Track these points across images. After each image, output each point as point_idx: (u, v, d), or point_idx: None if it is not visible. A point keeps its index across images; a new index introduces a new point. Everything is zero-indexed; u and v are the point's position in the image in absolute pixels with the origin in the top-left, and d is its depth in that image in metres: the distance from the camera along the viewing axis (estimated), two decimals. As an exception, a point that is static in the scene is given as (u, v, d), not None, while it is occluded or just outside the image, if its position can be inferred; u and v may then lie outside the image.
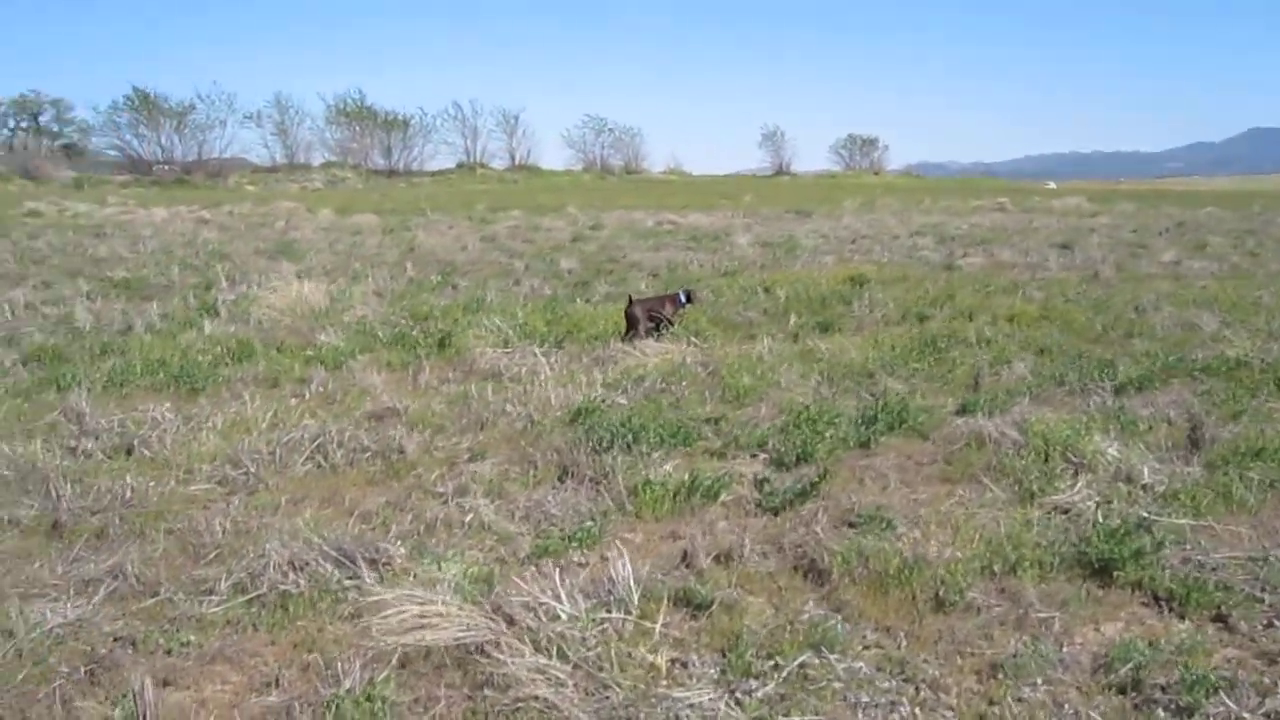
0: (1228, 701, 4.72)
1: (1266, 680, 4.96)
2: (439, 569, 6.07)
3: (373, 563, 6.16)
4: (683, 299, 12.94)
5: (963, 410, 9.32)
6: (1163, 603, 5.83)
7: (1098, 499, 7.14)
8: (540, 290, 16.62)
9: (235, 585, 6.01)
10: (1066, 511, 7.00)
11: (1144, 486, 7.34)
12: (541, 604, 5.37)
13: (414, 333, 12.49)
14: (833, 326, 13.50)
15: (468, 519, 6.92)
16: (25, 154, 61.21)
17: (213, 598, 5.90)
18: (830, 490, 7.40)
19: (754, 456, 8.20)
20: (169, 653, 5.35)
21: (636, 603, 5.50)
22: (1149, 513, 6.83)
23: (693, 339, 12.49)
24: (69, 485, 7.38)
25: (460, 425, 9.08)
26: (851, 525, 6.73)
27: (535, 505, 7.14)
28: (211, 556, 6.42)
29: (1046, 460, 7.70)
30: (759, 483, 7.39)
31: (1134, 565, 6.04)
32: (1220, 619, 5.66)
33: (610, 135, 74.85)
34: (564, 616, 5.31)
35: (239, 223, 29.19)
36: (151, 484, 7.62)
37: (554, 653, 5.02)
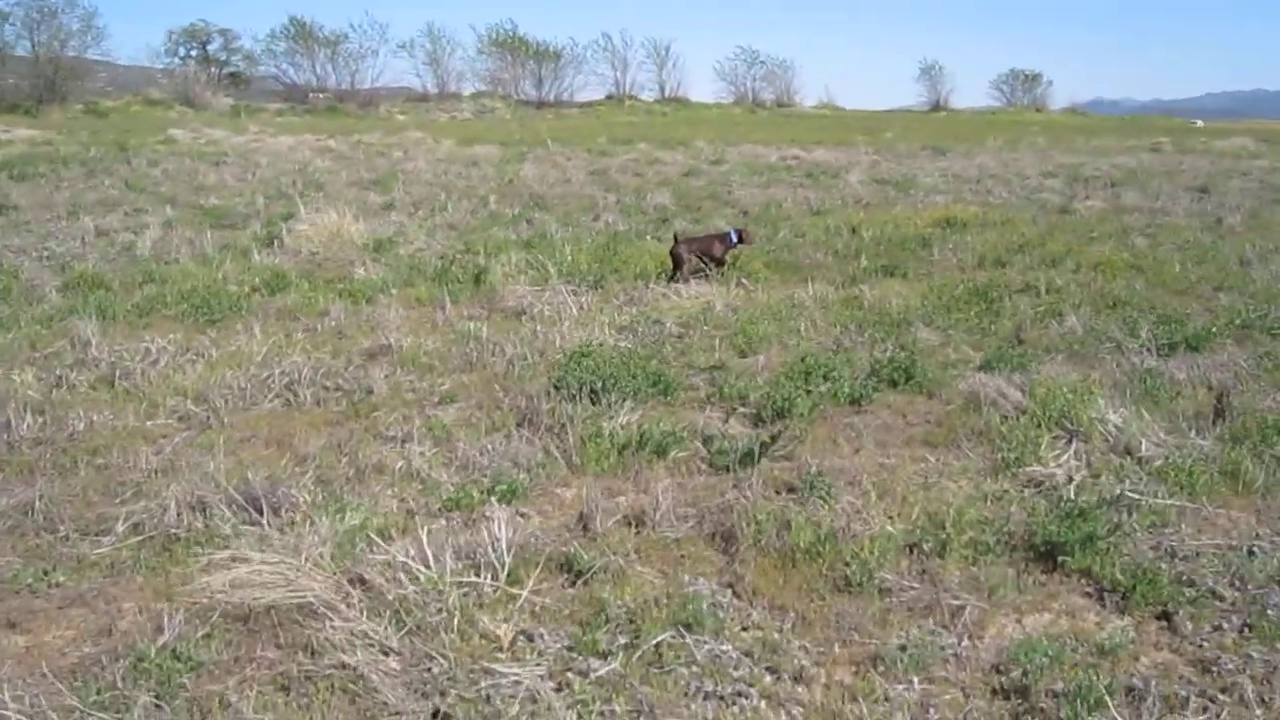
0: (1118, 717, 4.14)
1: (1184, 692, 4.35)
2: (340, 519, 5.79)
3: (276, 509, 5.91)
4: (733, 238, 12.37)
5: (986, 366, 8.62)
6: (1106, 595, 5.22)
7: (1083, 472, 6.47)
8: (615, 225, 16.18)
9: (134, 526, 5.85)
10: (1040, 485, 6.35)
11: (1140, 460, 6.62)
12: (402, 564, 5.05)
13: (452, 268, 12.20)
14: (898, 271, 12.74)
15: (398, 466, 6.62)
16: (187, 82, 62.89)
17: (106, 538, 5.75)
18: (797, 450, 6.90)
19: (733, 411, 7.68)
20: (34, 593, 5.22)
21: (507, 567, 5.12)
22: (1136, 491, 6.14)
23: (742, 281, 11.95)
24: (29, 416, 7.34)
25: (450, 366, 8.79)
26: (792, 490, 6.21)
27: (480, 454, 6.80)
28: (128, 495, 6.28)
29: (1040, 426, 7.01)
30: (705, 439, 6.91)
31: (1084, 551, 5.43)
32: (1165, 616, 5.02)
33: (762, 68, 73.01)
34: (422, 580, 4.98)
35: (359, 152, 29.40)
36: (112, 417, 7.54)
37: (387, 618, 4.69)
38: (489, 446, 6.90)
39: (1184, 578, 5.30)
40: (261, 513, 5.85)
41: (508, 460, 6.70)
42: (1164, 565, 5.40)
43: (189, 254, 13.28)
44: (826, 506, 5.93)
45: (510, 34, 69.98)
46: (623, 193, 20.77)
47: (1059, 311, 10.24)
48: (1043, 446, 6.72)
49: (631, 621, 4.81)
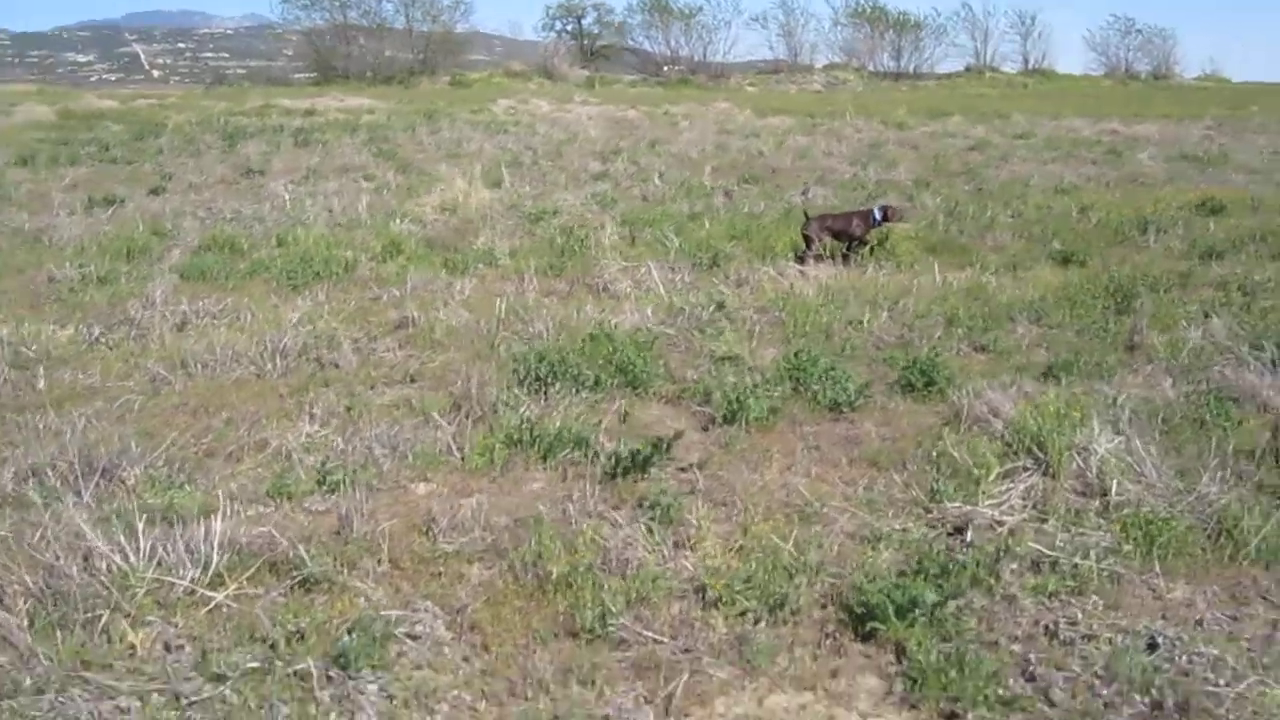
0: None
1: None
2: (162, 497, 5.46)
3: (108, 480, 5.65)
4: (876, 216, 11.14)
5: (1046, 374, 7.24)
6: (902, 680, 4.07)
7: (1021, 515, 5.18)
8: (813, 200, 15.10)
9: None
10: (959, 528, 5.13)
11: (1107, 505, 5.23)
12: (102, 552, 4.63)
13: (567, 241, 11.66)
14: (1076, 259, 11.11)
15: (274, 444, 6.21)
16: (547, 55, 65.38)
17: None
18: (716, 461, 5.95)
19: (690, 410, 6.77)
20: None
21: (215, 567, 4.59)
22: (1056, 546, 4.85)
23: (886, 261, 10.80)
24: (8, 370, 7.48)
25: (456, 342, 8.30)
26: (640, 506, 5.32)
27: (375, 439, 6.27)
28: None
29: (1008, 452, 5.71)
30: (578, 442, 6.07)
31: (903, 620, 4.27)
32: (954, 716, 3.86)
33: (1138, 37, 67.74)
34: (115, 571, 4.54)
35: (646, 122, 29.28)
36: (84, 375, 7.55)
37: (23, 610, 4.29)
38: (391, 434, 6.32)
39: (1026, 669, 4.04)
40: (84, 484, 5.55)
41: (392, 449, 6.10)
42: (1014, 649, 4.15)
43: (323, 220, 13.37)
44: (650, 534, 4.97)
45: (870, 5, 68.29)
46: (874, 166, 19.46)
47: (1192, 316, 8.47)
48: (989, 478, 5.41)
49: (287, 644, 4.15)
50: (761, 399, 6.54)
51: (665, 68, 66.88)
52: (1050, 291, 9.46)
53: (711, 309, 9.01)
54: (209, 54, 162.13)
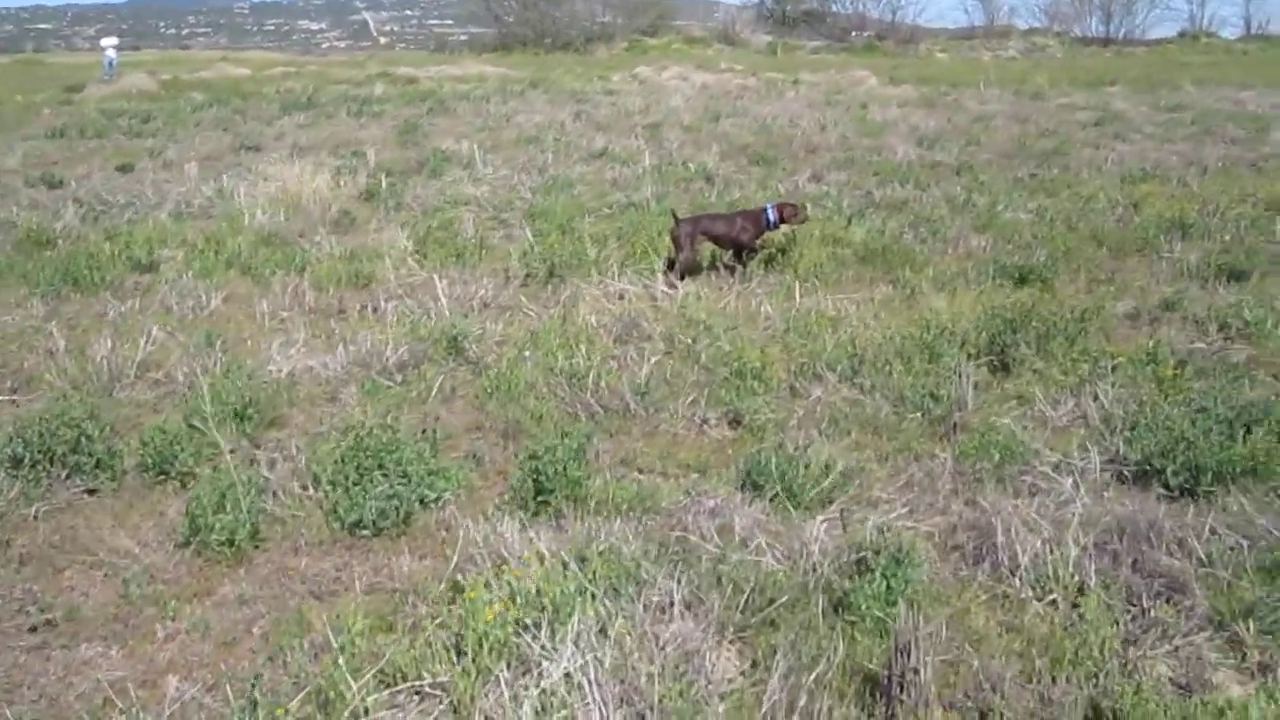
0: None
1: None
2: None
3: None
4: (770, 218, 8.69)
5: (745, 483, 4.84)
6: None
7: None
8: (824, 189, 12.63)
9: None
10: None
11: None
12: None
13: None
14: (1037, 277, 8.44)
15: None
16: (729, 20, 62.98)
17: None
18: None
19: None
20: None
21: None
22: None
23: (784, 272, 8.49)
24: None
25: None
26: None
27: None
28: None
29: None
30: None
31: None
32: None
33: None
34: None
35: (750, 94, 26.69)
36: None
37: None
38: None
39: None
40: None
41: None
42: None
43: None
44: None
45: (1078, -36, 62.97)
46: (950, 145, 16.62)
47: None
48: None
49: None
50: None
51: (854, 34, 63.42)
52: (935, 327, 6.87)
53: (445, 344, 6.85)
54: (434, 20, 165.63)
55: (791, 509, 4.70)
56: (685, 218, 8.79)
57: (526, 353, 6.75)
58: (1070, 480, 4.83)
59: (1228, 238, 9.88)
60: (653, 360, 6.55)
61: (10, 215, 11.22)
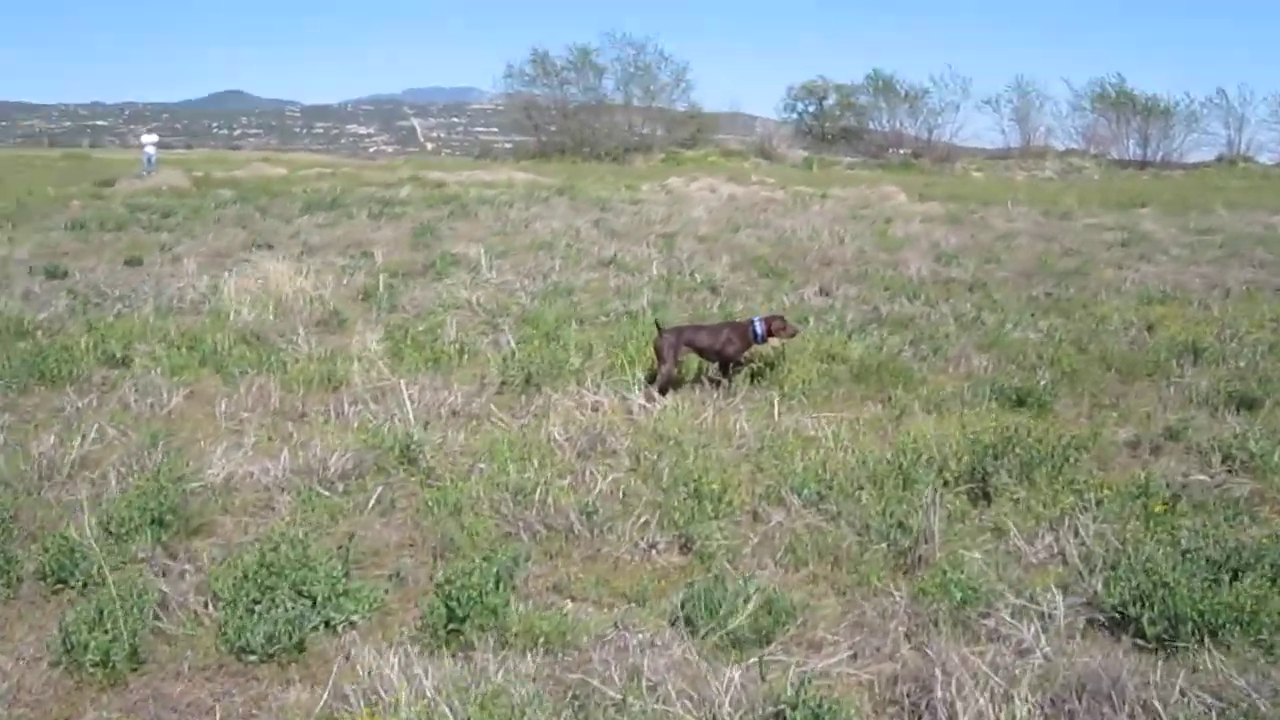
0: None
1: None
2: None
3: None
4: (757, 330, 8.36)
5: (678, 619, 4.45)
6: None
7: None
8: (831, 301, 12.29)
9: None
10: None
11: None
12: None
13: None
14: (1035, 399, 8.04)
15: None
16: (765, 135, 63.49)
17: None
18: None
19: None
20: None
21: None
22: None
23: (769, 388, 8.13)
24: None
25: None
26: None
27: None
28: None
29: None
30: None
31: None
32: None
33: None
34: None
35: (776, 206, 26.58)
36: None
37: None
38: None
39: None
40: None
41: None
42: None
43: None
44: None
45: (1116, 88, 63.14)
46: (967, 262, 16.31)
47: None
48: None
49: None
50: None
51: (890, 150, 63.80)
52: (914, 450, 6.46)
53: (397, 453, 6.52)
54: (480, 128, 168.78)
55: (722, 649, 4.27)
56: (669, 328, 8.48)
57: (482, 465, 6.39)
58: (1033, 627, 4.37)
59: (1242, 363, 9.45)
60: (609, 478, 6.17)
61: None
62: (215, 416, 7.60)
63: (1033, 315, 11.81)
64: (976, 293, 13.57)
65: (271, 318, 10.67)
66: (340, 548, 5.08)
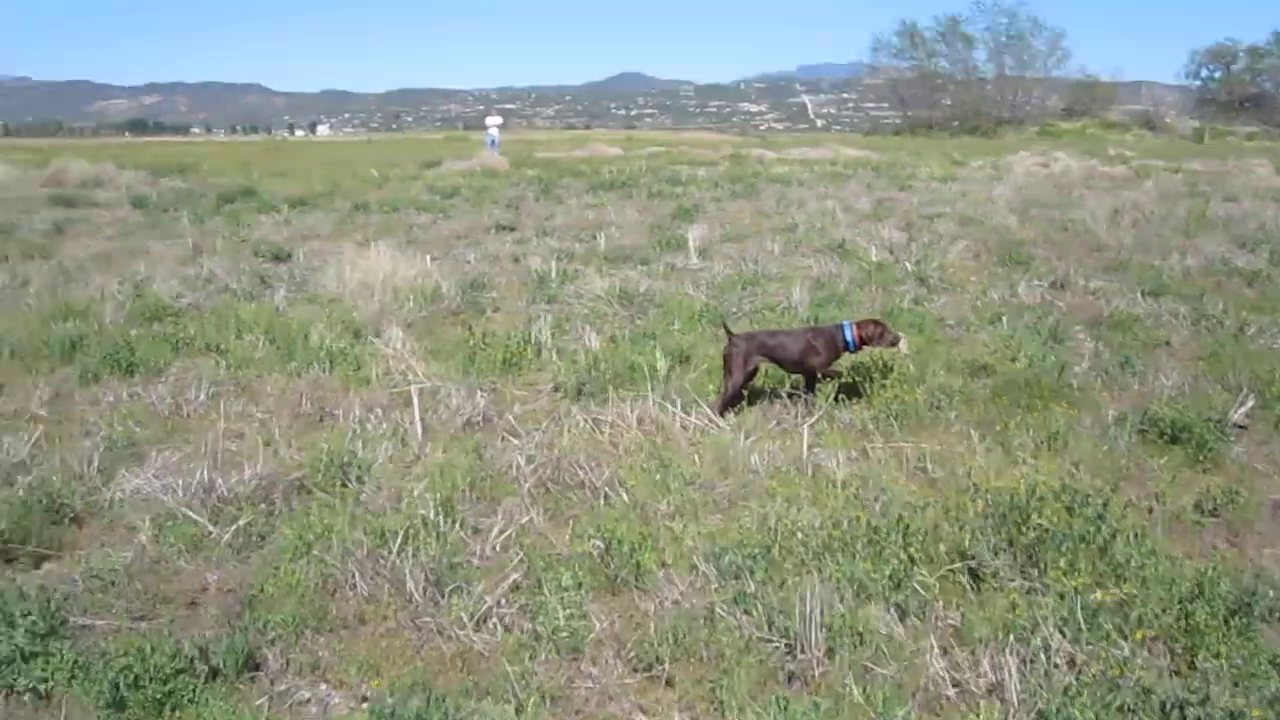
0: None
1: None
2: None
3: None
4: (848, 337, 6.95)
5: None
6: None
7: None
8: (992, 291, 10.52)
9: None
10: None
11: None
12: None
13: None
14: (1195, 438, 6.24)
15: None
16: (1152, 104, 58.28)
17: None
18: None
19: None
20: None
21: None
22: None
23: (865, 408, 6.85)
24: None
25: None
26: None
27: None
28: None
29: None
30: None
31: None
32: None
33: None
34: None
35: (1125, 180, 23.77)
36: None
37: None
38: None
39: None
40: None
41: None
42: None
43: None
44: None
45: None
46: (1259, 249, 13.69)
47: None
48: None
49: None
50: None
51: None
52: (949, 503, 5.01)
53: (331, 472, 5.75)
54: (870, 104, 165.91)
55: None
56: (742, 334, 7.19)
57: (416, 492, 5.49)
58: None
59: None
60: (522, 521, 5.11)
61: (169, 288, 11.22)
62: (228, 417, 7.09)
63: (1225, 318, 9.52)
64: (1255, 287, 11.19)
65: (395, 305, 10.19)
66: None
